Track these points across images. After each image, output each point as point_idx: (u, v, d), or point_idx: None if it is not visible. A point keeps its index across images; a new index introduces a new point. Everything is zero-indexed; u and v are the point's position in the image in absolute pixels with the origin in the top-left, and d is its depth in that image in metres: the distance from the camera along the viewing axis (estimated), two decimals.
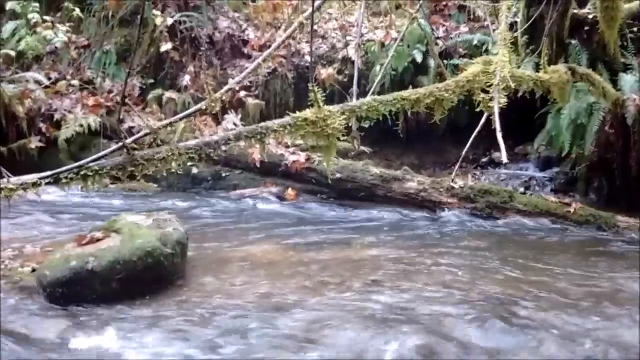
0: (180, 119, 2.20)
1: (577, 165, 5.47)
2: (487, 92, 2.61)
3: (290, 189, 5.48)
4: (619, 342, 2.42)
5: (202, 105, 2.13)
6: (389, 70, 6.16)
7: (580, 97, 5.05)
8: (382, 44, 6.51)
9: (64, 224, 4.29)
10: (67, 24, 6.70)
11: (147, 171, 2.08)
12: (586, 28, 5.49)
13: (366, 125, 4.91)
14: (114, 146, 2.08)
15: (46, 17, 6.58)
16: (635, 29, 5.55)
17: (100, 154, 2.07)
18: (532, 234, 4.43)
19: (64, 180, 2.05)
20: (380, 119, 2.68)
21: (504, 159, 2.33)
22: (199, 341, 2.41)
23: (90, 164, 2.03)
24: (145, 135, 2.10)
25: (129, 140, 2.05)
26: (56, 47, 6.60)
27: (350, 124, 2.52)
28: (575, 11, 5.45)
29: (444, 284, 3.13)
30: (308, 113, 2.31)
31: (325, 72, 6.43)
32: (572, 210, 4.66)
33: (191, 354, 2.32)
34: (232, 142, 2.17)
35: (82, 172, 2.02)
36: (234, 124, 5.65)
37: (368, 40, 6.67)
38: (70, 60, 6.69)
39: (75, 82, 6.37)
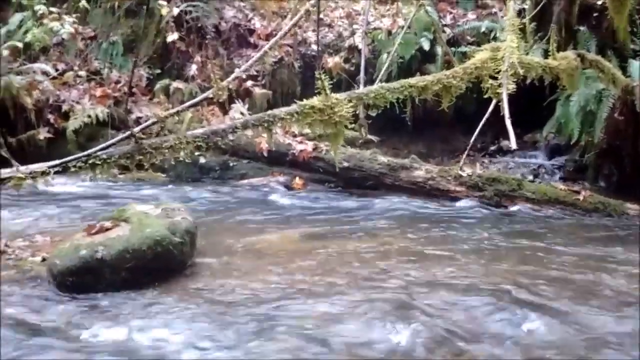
0: (188, 108, 2.20)
1: (586, 152, 5.44)
2: (495, 78, 2.59)
3: (297, 178, 5.48)
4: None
5: (209, 93, 2.13)
6: (396, 58, 6.13)
7: (590, 83, 5.01)
8: (389, 32, 6.48)
9: (74, 214, 4.32)
10: (74, 15, 6.69)
11: (155, 160, 2.09)
12: (595, 14, 5.45)
13: (374, 114, 4.89)
14: (121, 135, 2.08)
15: (53, 9, 6.57)
16: None
17: (108, 143, 2.07)
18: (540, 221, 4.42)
19: (72, 169, 2.06)
20: (388, 106, 2.67)
21: (513, 146, 2.32)
22: (208, 329, 2.42)
23: (99, 153, 2.04)
24: (153, 124, 2.10)
25: (137, 129, 2.05)
26: (63, 39, 6.59)
27: (357, 112, 2.51)
28: None
29: (454, 271, 3.13)
30: (315, 101, 2.30)
31: (332, 61, 6.40)
32: (581, 198, 4.64)
33: (200, 342, 2.33)
34: (239, 130, 2.17)
35: (90, 161, 2.03)
36: (241, 113, 5.65)
37: (375, 29, 6.64)
38: (77, 52, 6.69)
39: (83, 73, 6.38)
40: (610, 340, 2.35)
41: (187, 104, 2.25)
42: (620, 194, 4.85)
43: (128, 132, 2.01)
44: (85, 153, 2.05)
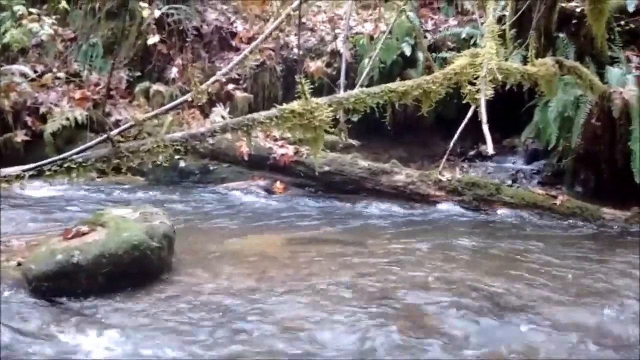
0: (166, 111, 2.18)
1: (564, 157, 5.50)
2: (474, 84, 2.61)
3: (278, 182, 5.47)
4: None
5: (187, 97, 2.11)
6: (378, 63, 6.15)
7: (568, 90, 5.06)
8: (371, 37, 6.50)
9: (50, 218, 4.26)
10: (53, 17, 6.63)
11: (132, 163, 2.06)
12: (574, 21, 5.51)
13: (355, 119, 4.92)
14: (98, 138, 2.05)
15: (32, 10, 6.50)
16: (622, 22, 5.58)
17: (84, 146, 2.05)
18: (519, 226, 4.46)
19: (47, 173, 2.03)
20: (368, 111, 2.68)
21: (490, 151, 2.34)
22: (183, 335, 2.40)
23: (74, 157, 2.01)
24: (131, 127, 2.08)
25: (114, 132, 2.03)
26: (42, 40, 6.53)
27: (337, 117, 2.51)
28: (563, 5, 5.47)
29: (431, 275, 3.14)
30: (295, 105, 2.29)
31: (314, 65, 6.41)
32: (558, 202, 4.69)
33: (174, 348, 2.31)
34: (218, 134, 2.15)
35: (66, 165, 2.00)
36: (222, 117, 5.62)
37: (357, 34, 6.66)
38: (57, 53, 6.63)
39: (62, 75, 6.32)
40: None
41: (165, 107, 2.23)
42: (596, 199, 4.91)
43: (105, 135, 1.99)
44: (61, 156, 2.01)
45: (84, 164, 1.98)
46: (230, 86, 6.36)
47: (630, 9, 5.59)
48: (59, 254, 2.82)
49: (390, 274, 3.15)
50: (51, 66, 6.47)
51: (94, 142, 2.06)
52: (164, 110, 2.17)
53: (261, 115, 2.25)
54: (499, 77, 2.48)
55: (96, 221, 3.10)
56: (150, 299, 2.77)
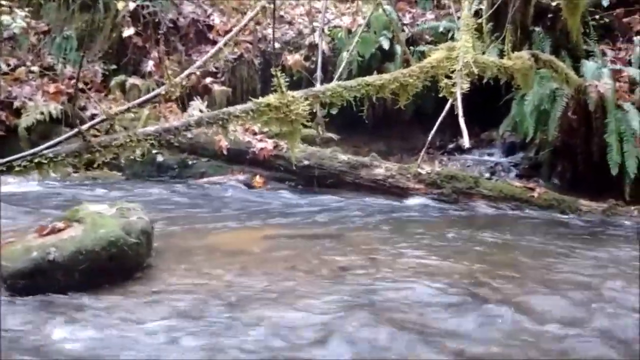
0: (139, 105, 2.15)
1: (541, 150, 5.56)
2: (450, 78, 2.62)
3: (258, 177, 5.45)
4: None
5: (161, 90, 2.09)
6: (356, 56, 6.15)
7: (544, 83, 5.11)
8: (349, 31, 6.49)
9: (25, 214, 4.18)
10: (26, 9, 6.50)
11: (104, 158, 2.03)
12: (550, 15, 5.57)
13: (334, 112, 4.92)
14: (69, 133, 2.02)
15: (3, 2, 6.36)
16: (597, 16, 5.65)
17: (54, 141, 2.01)
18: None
19: (17, 169, 1.99)
20: (346, 105, 2.67)
21: (466, 144, 2.35)
22: (161, 331, 2.38)
23: (45, 152, 1.97)
24: (102, 121, 2.04)
25: (85, 126, 1.99)
26: (15, 33, 6.40)
27: (315, 110, 2.50)
28: None
29: (412, 269, 3.15)
30: (271, 99, 2.28)
31: (292, 59, 6.39)
32: (536, 195, 4.74)
33: (154, 344, 2.29)
34: (193, 128, 2.13)
35: (36, 160, 1.96)
36: (200, 110, 5.58)
37: (335, 27, 6.64)
38: (30, 47, 6.51)
39: (35, 68, 6.21)
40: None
41: (137, 101, 2.20)
42: (573, 190, 4.98)
43: (75, 130, 1.95)
44: (31, 152, 1.97)
45: (54, 159, 1.95)
46: (208, 79, 6.31)
47: (605, 3, 5.67)
48: (34, 251, 2.77)
49: (371, 268, 3.15)
50: (24, 60, 6.35)
51: (64, 136, 2.02)
52: (136, 104, 2.14)
53: (237, 109, 2.23)
54: (475, 70, 2.50)
55: (72, 217, 3.06)
56: (127, 295, 2.74)
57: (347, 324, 2.41)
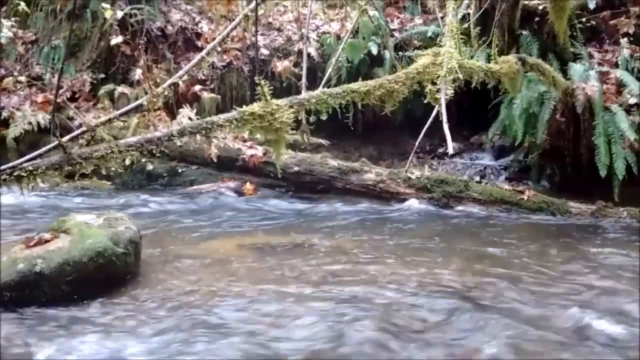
0: (120, 115, 2.14)
1: (530, 153, 5.58)
2: (436, 83, 2.63)
3: (248, 184, 5.43)
4: None
5: (142, 101, 2.08)
6: (345, 62, 6.16)
7: (532, 86, 5.14)
8: (338, 37, 6.50)
9: (11, 226, 4.15)
10: (13, 19, 6.47)
11: (85, 170, 2.02)
12: (537, 19, 5.60)
13: (324, 118, 4.90)
14: (49, 145, 2.00)
15: None
16: (583, 19, 5.69)
17: (34, 154, 1.99)
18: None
19: None
20: (333, 111, 2.67)
21: (450, 150, 2.36)
22: (149, 341, 2.36)
23: (25, 164, 1.95)
24: (83, 132, 2.03)
25: (65, 138, 1.98)
26: (2, 43, 6.36)
27: (300, 118, 2.50)
28: (525, 2, 5.56)
29: (402, 273, 3.15)
30: (255, 107, 2.27)
31: (281, 65, 6.38)
32: (525, 197, 4.76)
33: (141, 353, 2.27)
34: (176, 138, 2.12)
35: (15, 173, 1.94)
36: (189, 118, 5.54)
37: (324, 33, 6.65)
38: (18, 56, 6.46)
39: (23, 78, 6.17)
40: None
41: (118, 112, 2.19)
42: (562, 193, 4.99)
43: (56, 142, 1.93)
44: (10, 165, 1.95)
45: (34, 172, 1.92)
46: (198, 87, 6.29)
47: (591, 6, 5.71)
48: (20, 262, 2.75)
49: (362, 274, 3.15)
50: (12, 69, 6.31)
51: (44, 149, 2.00)
52: (117, 115, 2.13)
53: (220, 118, 2.22)
54: (461, 76, 2.50)
55: (59, 228, 3.04)
56: (115, 305, 2.72)
57: (338, 326, 2.40)
